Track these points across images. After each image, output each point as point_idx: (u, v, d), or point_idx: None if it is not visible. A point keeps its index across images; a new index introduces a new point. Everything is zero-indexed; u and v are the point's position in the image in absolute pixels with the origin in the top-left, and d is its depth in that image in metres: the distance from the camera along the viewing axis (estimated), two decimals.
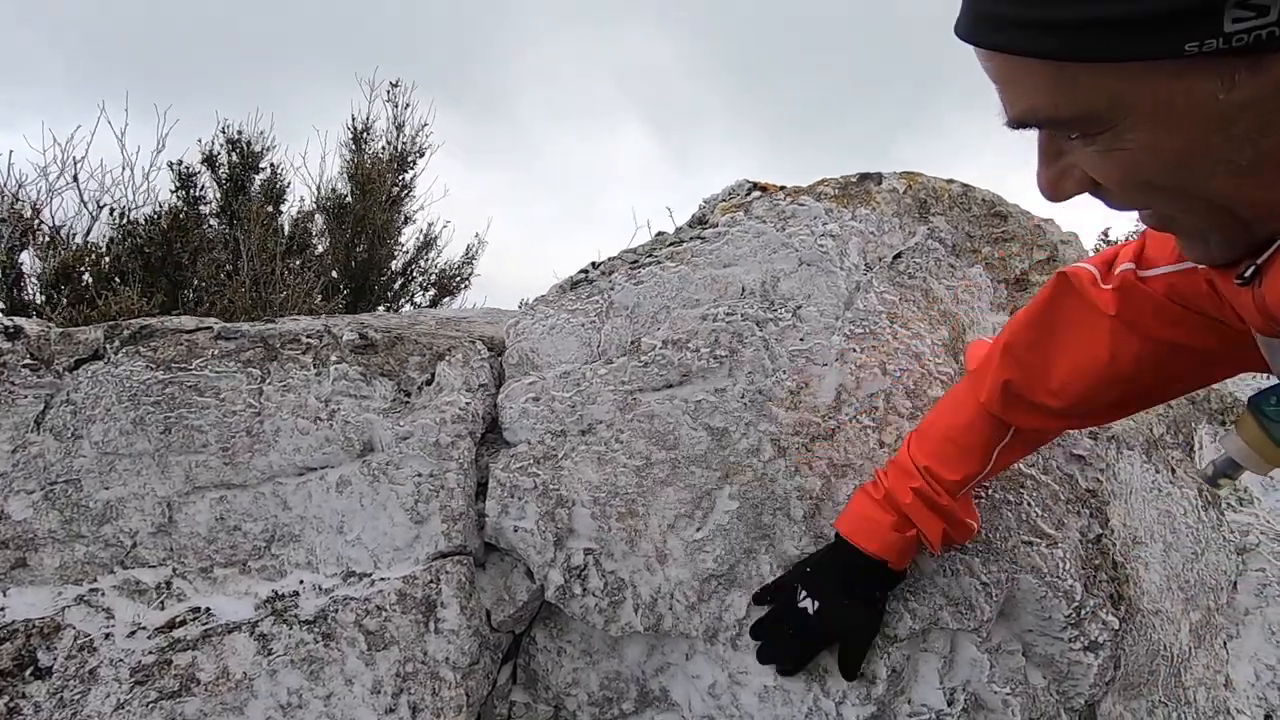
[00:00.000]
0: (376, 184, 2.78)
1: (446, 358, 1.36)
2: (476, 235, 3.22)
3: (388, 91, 3.13)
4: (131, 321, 1.44)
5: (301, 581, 1.35)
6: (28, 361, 1.39)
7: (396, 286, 3.11)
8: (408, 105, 3.10)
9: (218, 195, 3.10)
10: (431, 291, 3.31)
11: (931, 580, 1.08)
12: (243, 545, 1.40)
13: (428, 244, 3.16)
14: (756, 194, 1.39)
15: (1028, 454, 1.05)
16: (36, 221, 2.29)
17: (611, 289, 1.39)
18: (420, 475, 1.27)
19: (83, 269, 2.14)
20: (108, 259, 2.22)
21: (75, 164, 2.78)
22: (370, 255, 2.84)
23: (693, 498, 1.20)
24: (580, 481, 1.23)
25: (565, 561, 1.22)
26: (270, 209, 3.13)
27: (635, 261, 1.44)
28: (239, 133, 3.15)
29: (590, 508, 1.22)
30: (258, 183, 3.19)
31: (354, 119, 3.34)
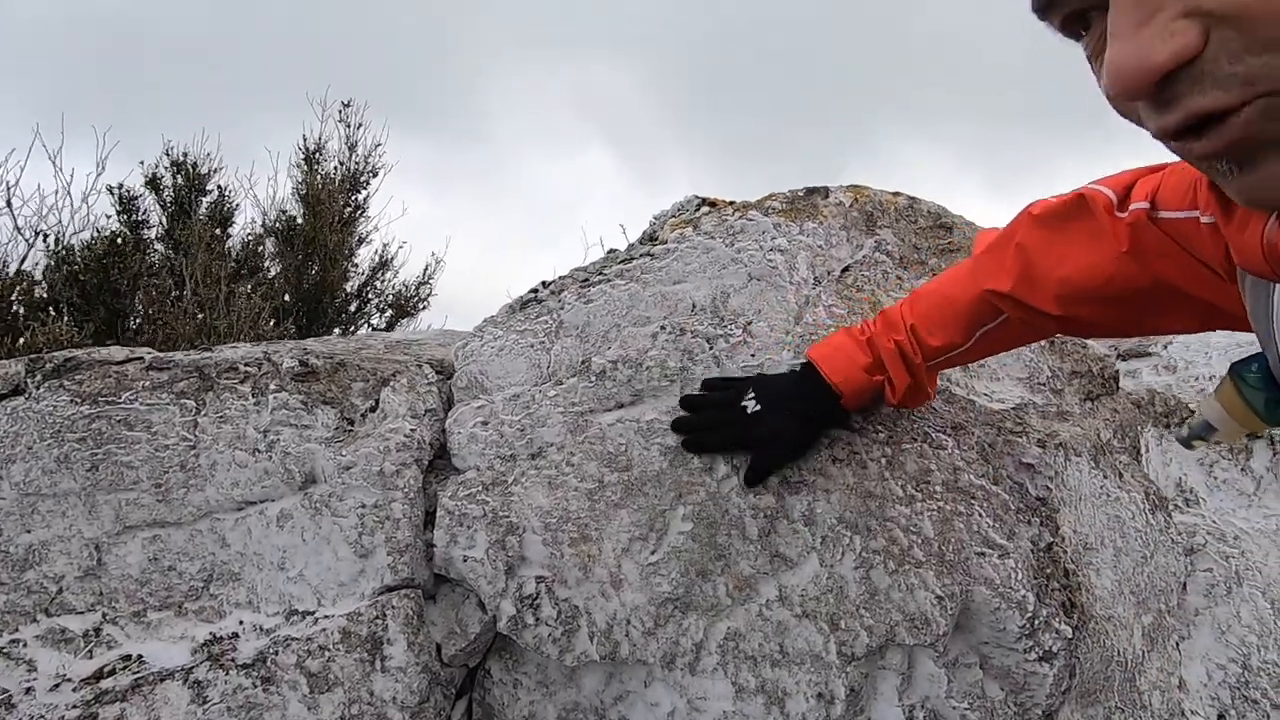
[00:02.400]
0: (327, 205, 2.72)
1: (391, 383, 1.31)
2: (434, 255, 3.16)
3: (339, 111, 3.08)
4: (55, 354, 1.37)
5: (241, 622, 1.29)
6: None
7: (352, 309, 3.04)
8: (360, 125, 3.05)
9: (162, 219, 3.00)
10: (388, 313, 3.24)
11: (887, 595, 1.07)
12: (178, 586, 1.33)
13: (383, 265, 3.10)
14: (705, 210, 1.39)
15: (1007, 348, 1.10)
16: None
17: (561, 308, 1.36)
18: (364, 506, 1.23)
19: (13, 299, 2.04)
20: (41, 288, 2.12)
21: (9, 189, 2.67)
22: (323, 277, 2.77)
23: (646, 519, 1.18)
24: (531, 507, 1.19)
25: (517, 591, 1.18)
26: (218, 231, 3.04)
27: (586, 280, 1.42)
28: (184, 154, 3.06)
29: (541, 534, 1.18)
30: (204, 205, 3.10)
31: (305, 139, 3.27)
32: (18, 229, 2.53)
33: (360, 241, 3.04)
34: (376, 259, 3.10)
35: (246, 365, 1.38)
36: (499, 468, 1.23)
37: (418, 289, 3.11)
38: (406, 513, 1.22)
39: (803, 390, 1.10)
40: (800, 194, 1.36)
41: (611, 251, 1.51)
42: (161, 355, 1.40)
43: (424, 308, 3.19)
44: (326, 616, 1.22)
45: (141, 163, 3.02)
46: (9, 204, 2.57)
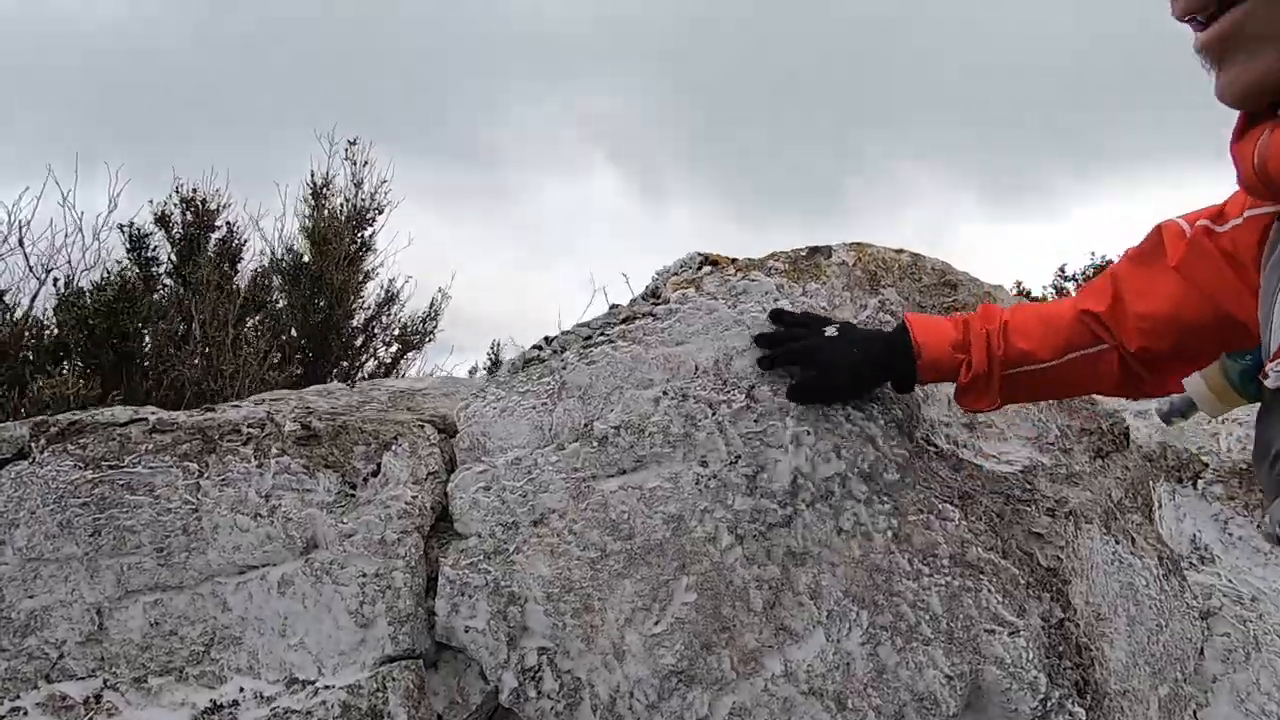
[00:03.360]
0: (334, 243, 2.74)
1: (392, 447, 1.31)
2: (440, 290, 3.17)
3: (346, 149, 3.11)
4: (59, 417, 1.38)
5: (242, 689, 1.28)
6: None
7: (358, 344, 3.05)
8: (366, 163, 3.07)
9: (171, 256, 3.03)
10: (394, 347, 3.26)
11: (895, 674, 1.05)
12: (180, 651, 1.32)
13: (390, 299, 3.12)
14: (708, 269, 1.38)
15: (1087, 387, 1.10)
16: None
17: (564, 368, 1.36)
18: (365, 575, 1.22)
19: (23, 346, 2.06)
20: (49, 333, 2.14)
21: (21, 228, 2.70)
22: (329, 315, 2.78)
23: (650, 589, 1.16)
24: (533, 576, 1.18)
25: (519, 663, 1.16)
26: (226, 268, 3.06)
27: (589, 338, 1.41)
28: (193, 190, 3.09)
29: (544, 604, 1.17)
30: (213, 242, 3.13)
31: (313, 175, 3.30)
32: (30, 268, 2.55)
33: (366, 277, 3.06)
34: (383, 293, 3.12)
35: (249, 426, 1.38)
36: (500, 535, 1.22)
37: (424, 324, 3.12)
38: (408, 581, 1.21)
39: (884, 340, 1.14)
40: (803, 253, 1.36)
41: (614, 307, 1.51)
42: (165, 416, 1.40)
43: (429, 341, 3.20)
44: (327, 687, 1.21)
45: (151, 201, 3.05)
46: (20, 242, 2.59)
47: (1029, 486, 1.20)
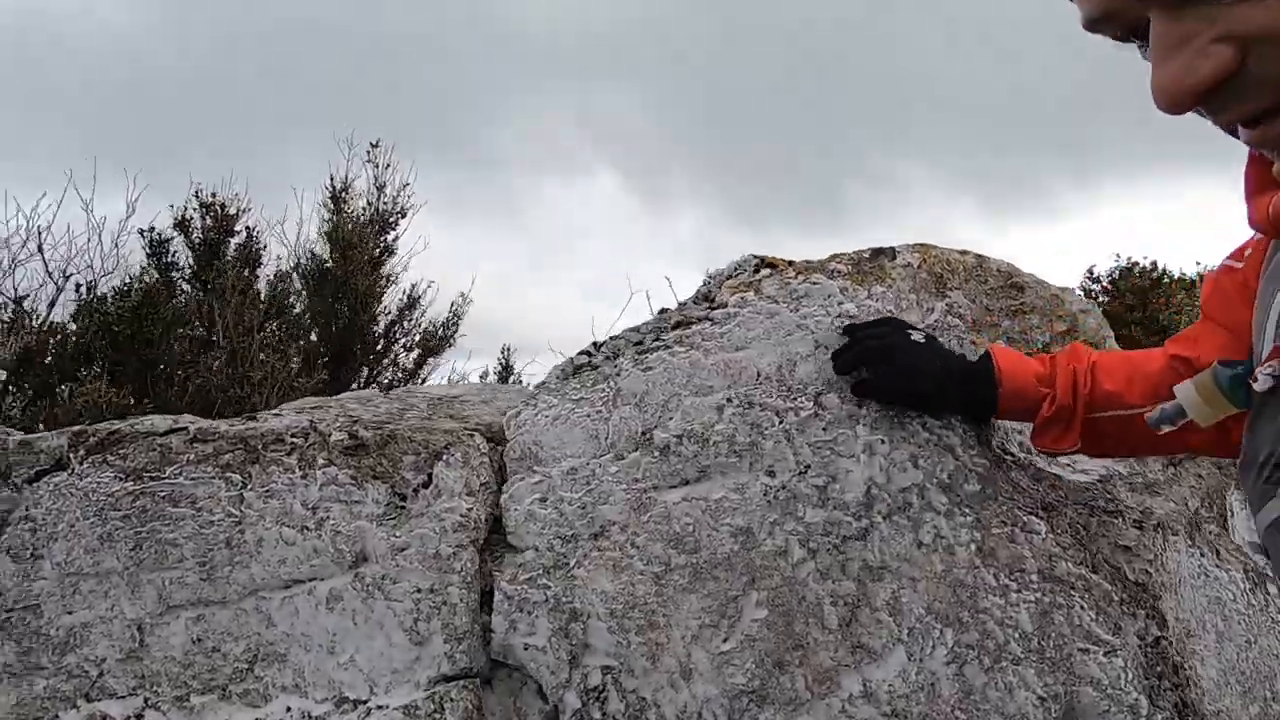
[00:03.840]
0: (358, 248, 2.70)
1: (444, 457, 1.27)
2: (462, 295, 3.13)
3: (368, 152, 3.07)
4: (98, 427, 1.34)
5: (289, 709, 1.23)
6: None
7: (379, 348, 3.01)
8: (388, 165, 3.03)
9: (190, 261, 2.99)
10: (415, 352, 3.21)
11: (983, 695, 1.00)
12: (222, 668, 1.28)
13: (411, 304, 3.08)
14: (766, 271, 1.34)
15: (1176, 448, 1.07)
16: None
17: (618, 375, 1.31)
18: (420, 591, 1.17)
19: (47, 352, 2.02)
20: (73, 340, 2.10)
21: (40, 234, 2.66)
22: (352, 320, 2.75)
23: (717, 605, 1.12)
24: (595, 592, 1.14)
25: (581, 682, 1.12)
26: (246, 273, 3.03)
27: (640, 344, 1.37)
28: (212, 195, 3.06)
29: (607, 621, 1.12)
30: (233, 246, 3.09)
31: (333, 179, 3.27)
32: (49, 274, 2.52)
33: (389, 282, 3.02)
34: (405, 298, 3.08)
35: (293, 436, 1.34)
36: (559, 549, 1.18)
37: (445, 328, 3.08)
38: (464, 597, 1.17)
39: (966, 361, 1.11)
40: (866, 255, 1.31)
41: (663, 311, 1.46)
42: (205, 426, 1.36)
43: (450, 345, 3.16)
44: (380, 707, 1.17)
45: (171, 205, 3.01)
46: (40, 249, 2.56)
47: (1110, 496, 1.15)
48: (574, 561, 1.16)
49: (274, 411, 1.43)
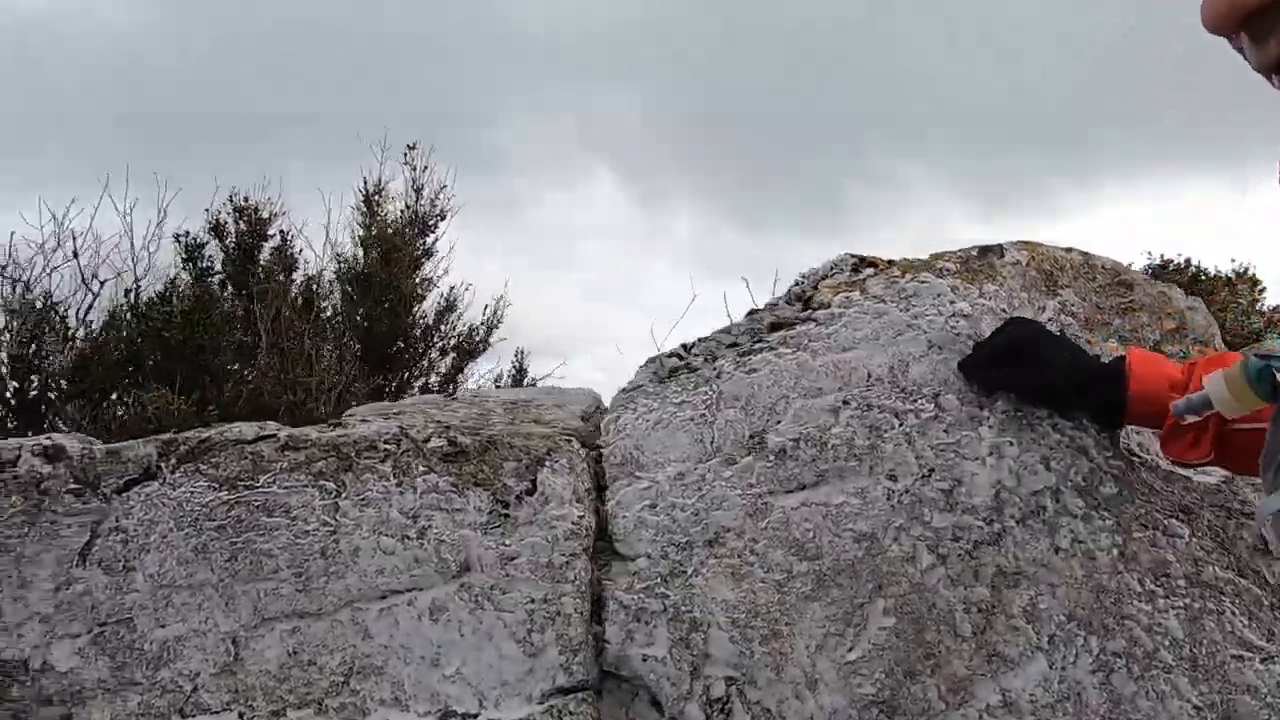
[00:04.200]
0: (402, 250, 2.67)
1: (548, 463, 1.23)
2: (500, 298, 3.10)
3: (404, 154, 3.04)
4: (187, 435, 1.30)
5: None
6: (72, 486, 1.24)
7: (422, 353, 2.98)
8: (426, 167, 3.00)
9: (226, 266, 2.96)
10: (449, 356, 3.19)
11: (1133, 704, 0.97)
12: (318, 681, 1.24)
13: (449, 307, 3.05)
14: (869, 271, 1.31)
15: None
16: (51, 313, 2.13)
17: (718, 377, 1.29)
18: (533, 601, 1.14)
19: (99, 360, 1.99)
20: (124, 346, 2.07)
21: (75, 238, 2.63)
22: (394, 323, 2.72)
23: (842, 614, 1.09)
24: (715, 600, 1.11)
25: (704, 693, 1.09)
26: (282, 278, 2.99)
27: (736, 345, 1.34)
28: (245, 199, 3.03)
29: (729, 630, 1.09)
30: (266, 251, 3.06)
31: (365, 182, 3.23)
32: (84, 280, 2.48)
33: (429, 285, 3.00)
34: (442, 302, 3.06)
35: (385, 443, 1.30)
36: (674, 556, 1.15)
37: (485, 330, 3.05)
38: (577, 607, 1.14)
39: (1098, 363, 1.07)
40: (973, 253, 1.28)
41: (753, 312, 1.44)
42: (296, 433, 1.32)
43: (485, 349, 3.13)
44: None
45: (206, 210, 2.98)
46: (75, 255, 2.53)
47: (1240, 499, 1.13)
48: (691, 569, 1.13)
49: (359, 418, 1.40)
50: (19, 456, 1.23)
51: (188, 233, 2.94)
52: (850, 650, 1.07)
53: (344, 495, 1.27)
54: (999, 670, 1.03)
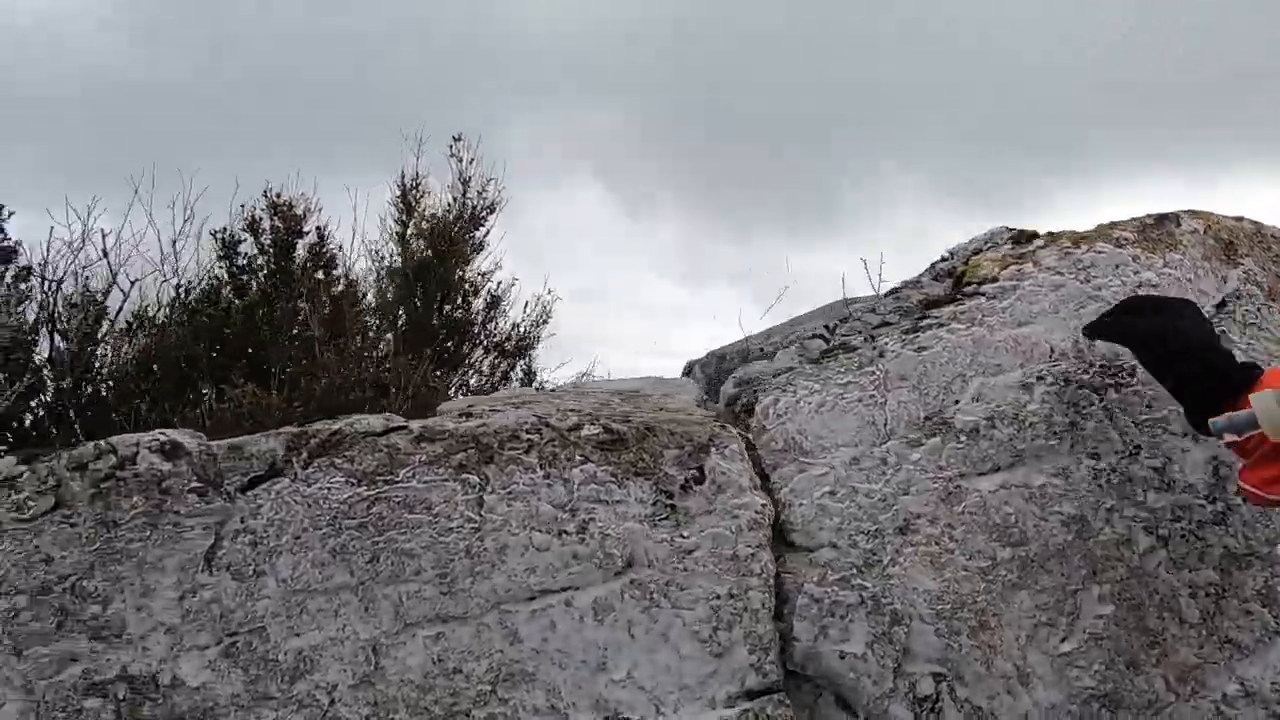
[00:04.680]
0: (459, 244, 2.58)
1: (714, 449, 1.15)
2: (549, 290, 3.01)
3: (450, 147, 2.94)
4: (317, 428, 1.20)
5: None
6: (194, 485, 1.14)
7: (471, 348, 2.88)
8: (473, 160, 2.91)
9: (264, 263, 2.84)
10: (492, 354, 3.09)
11: None
12: (465, 691, 1.15)
13: (494, 303, 2.96)
14: (1037, 242, 1.25)
15: None
16: (106, 307, 2.02)
17: (882, 357, 1.21)
18: (717, 596, 1.06)
19: (161, 358, 1.87)
20: (185, 345, 1.96)
21: (103, 238, 2.51)
22: (447, 319, 2.62)
23: (1054, 602, 1.02)
24: (916, 591, 1.03)
25: (909, 691, 1.01)
26: (320, 276, 2.88)
27: (886, 323, 1.27)
28: (278, 195, 2.91)
29: (933, 623, 1.02)
30: (302, 248, 2.94)
31: (403, 176, 3.13)
32: (114, 280, 2.36)
33: (485, 278, 2.90)
34: (489, 297, 2.96)
35: (528, 433, 1.22)
36: (865, 545, 1.07)
37: (534, 327, 2.96)
38: (764, 602, 1.05)
39: (1224, 360, 0.93)
40: (1150, 222, 1.23)
41: (896, 290, 1.37)
42: (430, 424, 1.23)
43: (538, 346, 3.04)
44: None
45: (242, 206, 2.86)
46: (105, 254, 2.41)
47: None
48: (887, 559, 1.05)
49: (491, 408, 1.31)
50: (137, 453, 1.13)
51: (224, 229, 2.81)
52: (1064, 641, 1.00)
53: (489, 489, 1.18)
54: (1233, 657, 0.96)
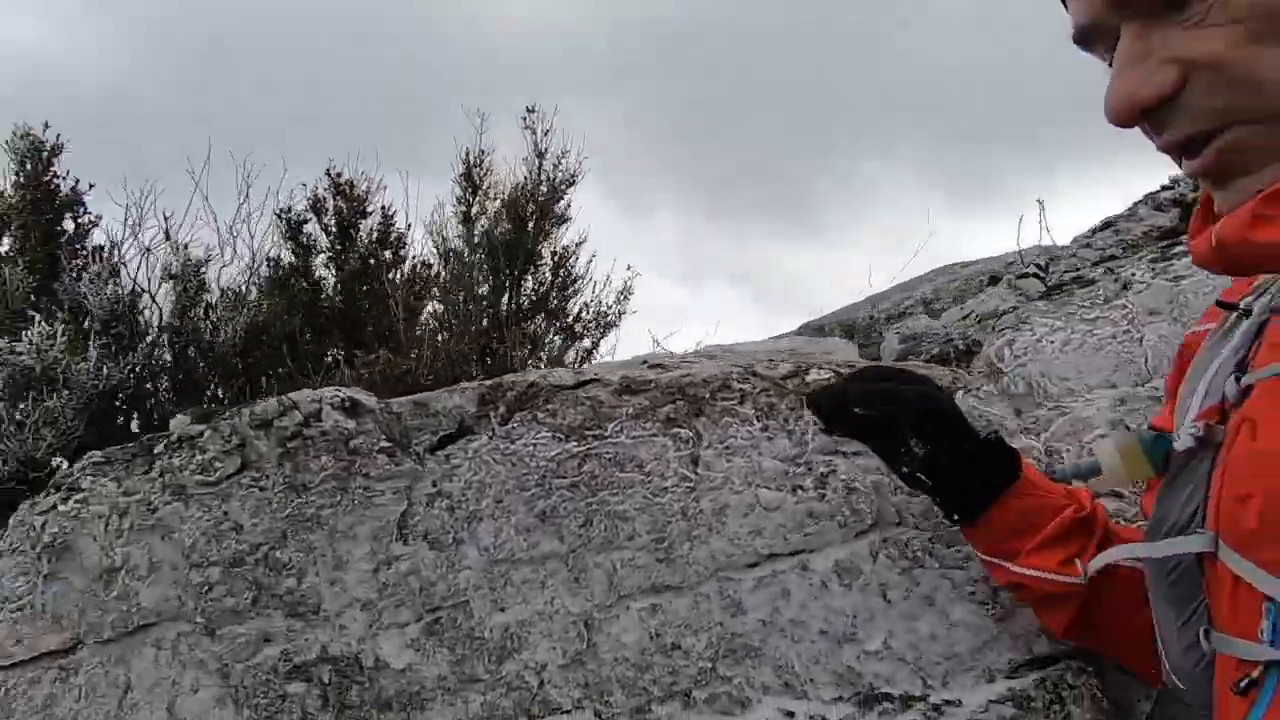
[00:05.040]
0: (547, 216, 2.46)
1: (963, 391, 1.03)
2: (629, 267, 2.88)
3: (523, 118, 2.82)
4: (512, 379, 1.09)
5: (789, 714, 0.99)
6: (383, 445, 1.02)
7: (540, 329, 2.77)
8: (548, 131, 2.79)
9: (329, 243, 2.73)
10: (561, 337, 2.97)
11: None
12: (685, 670, 1.03)
13: (572, 280, 2.84)
14: None
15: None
16: (205, 278, 1.91)
17: (1127, 289, 1.09)
18: None
19: (266, 332, 1.76)
20: (284, 318, 1.86)
21: (165, 219, 2.39)
22: (533, 295, 2.51)
23: None
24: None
25: None
26: (389, 255, 2.77)
27: (1106, 257, 1.15)
28: (338, 174, 2.80)
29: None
30: (366, 228, 2.83)
31: (468, 152, 3.01)
32: (187, 261, 2.24)
33: (572, 252, 2.78)
34: (565, 273, 2.84)
35: (739, 382, 1.10)
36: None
37: (618, 302, 2.84)
38: None
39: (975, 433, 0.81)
40: None
41: (1109, 224, 1.25)
42: (632, 375, 1.11)
43: (616, 326, 2.92)
44: (949, 703, 0.93)
45: (304, 184, 2.74)
46: (167, 235, 2.29)
47: None
48: None
49: (687, 359, 1.19)
50: (320, 410, 1.01)
51: (289, 208, 2.69)
52: None
53: (703, 444, 1.06)
54: None
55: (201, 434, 0.96)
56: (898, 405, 0.81)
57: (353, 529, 0.99)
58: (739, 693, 1.03)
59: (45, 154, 2.00)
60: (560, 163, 2.90)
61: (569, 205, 2.77)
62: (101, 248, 1.84)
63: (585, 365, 1.94)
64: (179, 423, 0.98)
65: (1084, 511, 0.80)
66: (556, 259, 2.65)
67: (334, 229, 2.83)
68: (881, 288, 2.84)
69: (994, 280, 2.39)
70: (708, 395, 1.09)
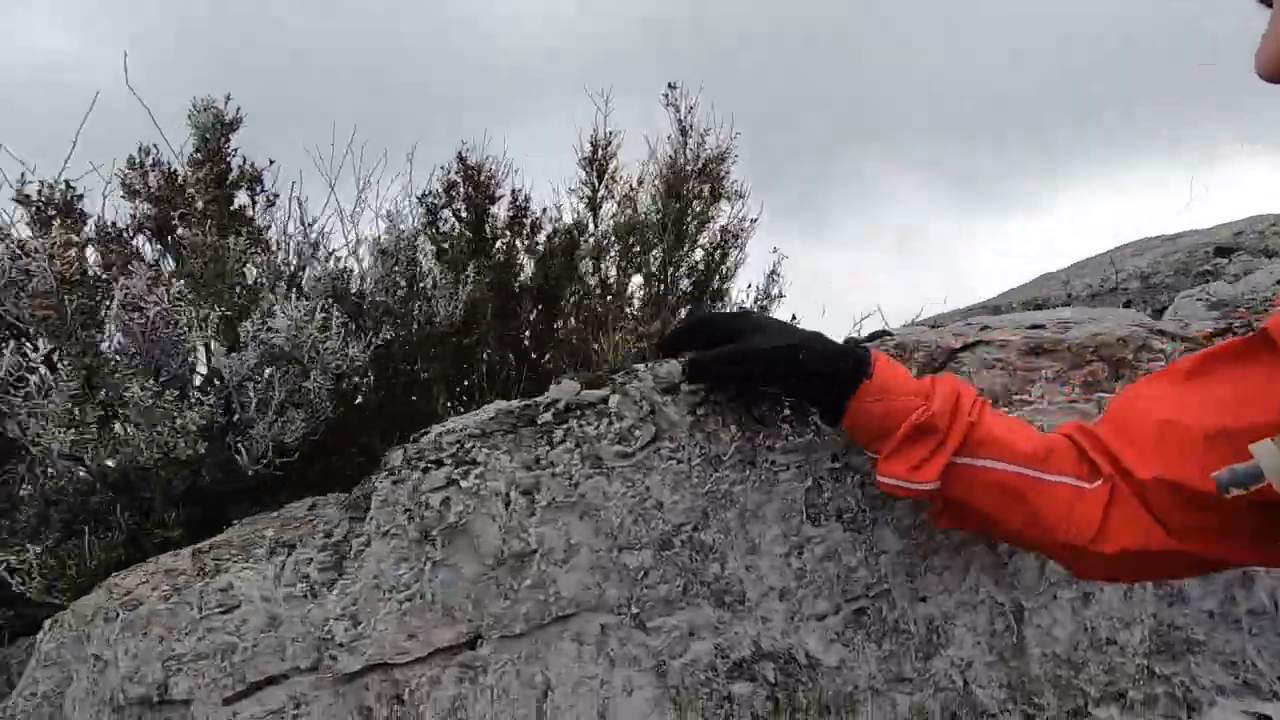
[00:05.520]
0: (702, 199, 2.35)
1: None
2: (774, 250, 2.74)
3: (665, 95, 2.69)
4: (915, 335, 0.96)
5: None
6: (785, 412, 0.90)
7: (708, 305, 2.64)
8: (691, 108, 2.66)
9: (460, 229, 2.62)
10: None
11: None
12: (1122, 668, 0.91)
13: (718, 264, 2.71)
14: None
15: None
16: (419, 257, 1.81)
17: None
18: None
19: (479, 313, 1.66)
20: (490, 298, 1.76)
21: (301, 206, 2.29)
22: (701, 279, 2.39)
23: None
24: None
25: None
26: (528, 240, 2.65)
27: None
28: (463, 157, 2.69)
29: None
30: (496, 213, 2.72)
31: (595, 137, 2.89)
32: (314, 253, 2.15)
33: (732, 235, 2.66)
34: (714, 256, 2.71)
35: (1159, 341, 0.97)
36: None
37: (769, 283, 2.71)
38: None
39: (830, 344, 0.81)
40: None
41: None
42: (1034, 336, 0.99)
43: (770, 307, 2.79)
44: None
45: (441, 167, 2.64)
46: (304, 223, 2.19)
47: None
48: None
49: (1026, 307, 1.06)
50: None
51: (426, 194, 2.59)
52: None
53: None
54: None
55: (606, 400, 0.85)
56: (749, 364, 0.82)
57: (760, 508, 0.87)
58: (1181, 693, 0.90)
59: (223, 127, 1.91)
60: (704, 141, 2.77)
61: (721, 182, 2.65)
62: (309, 225, 1.75)
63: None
64: (567, 388, 0.87)
65: (929, 414, 0.75)
66: (720, 237, 2.53)
67: (465, 214, 2.72)
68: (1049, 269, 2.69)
69: (1221, 251, 2.24)
70: (1130, 355, 0.96)
